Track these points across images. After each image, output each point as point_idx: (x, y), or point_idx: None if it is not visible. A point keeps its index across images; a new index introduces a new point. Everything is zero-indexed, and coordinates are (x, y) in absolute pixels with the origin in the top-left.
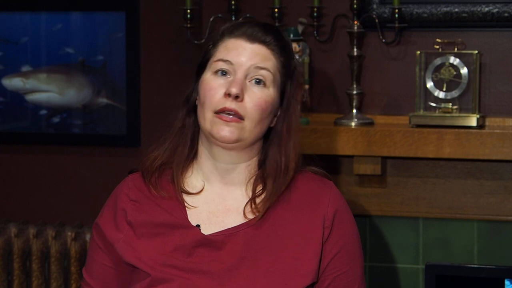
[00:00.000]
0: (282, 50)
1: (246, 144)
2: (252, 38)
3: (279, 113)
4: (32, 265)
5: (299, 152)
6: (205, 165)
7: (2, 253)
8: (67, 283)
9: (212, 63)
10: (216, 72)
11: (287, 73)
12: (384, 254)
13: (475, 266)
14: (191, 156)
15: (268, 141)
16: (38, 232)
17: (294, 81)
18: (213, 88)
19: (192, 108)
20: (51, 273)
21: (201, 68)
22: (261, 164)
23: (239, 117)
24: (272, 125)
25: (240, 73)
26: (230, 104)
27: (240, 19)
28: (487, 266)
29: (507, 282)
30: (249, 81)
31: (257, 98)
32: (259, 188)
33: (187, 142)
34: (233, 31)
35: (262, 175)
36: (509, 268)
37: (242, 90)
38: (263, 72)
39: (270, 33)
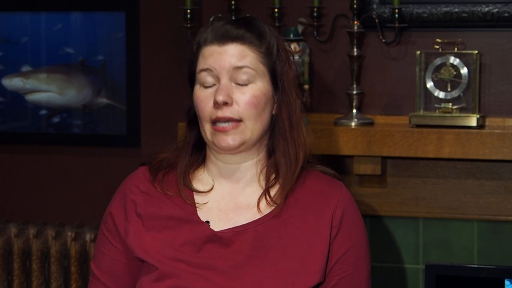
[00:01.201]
0: (258, 39)
1: (252, 143)
2: (224, 39)
3: (276, 98)
4: (32, 265)
5: (307, 136)
6: (214, 167)
7: (2, 253)
8: (67, 283)
9: (197, 75)
10: (202, 83)
11: (271, 57)
12: (384, 254)
13: (475, 266)
14: (199, 159)
15: (274, 129)
16: (38, 232)
17: (281, 60)
18: (203, 100)
19: (192, 119)
20: (51, 273)
21: (192, 81)
22: (271, 154)
23: (236, 121)
24: (274, 112)
25: (223, 78)
26: (222, 112)
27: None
28: (487, 266)
29: (507, 282)
30: (235, 83)
31: (246, 97)
32: (272, 177)
33: (188, 152)
34: (206, 38)
35: (274, 164)
36: (509, 268)
37: (229, 94)
38: (243, 70)
39: (241, 26)
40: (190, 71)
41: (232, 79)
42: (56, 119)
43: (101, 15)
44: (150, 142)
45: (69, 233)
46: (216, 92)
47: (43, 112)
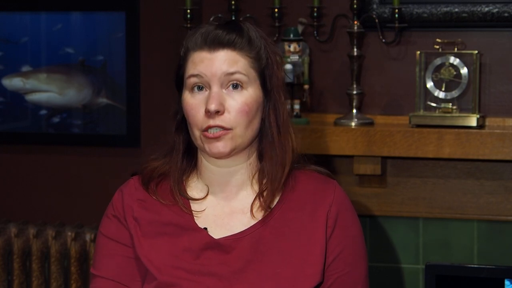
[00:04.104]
0: (248, 44)
1: (243, 148)
2: (214, 45)
3: (266, 103)
4: (32, 265)
5: (296, 143)
6: (206, 172)
7: (2, 253)
8: (67, 283)
9: (186, 80)
10: (192, 89)
11: (261, 62)
12: (384, 254)
13: (475, 266)
14: (191, 165)
15: (262, 133)
16: (38, 232)
17: (270, 64)
18: (193, 107)
19: (180, 123)
20: (51, 273)
21: (179, 84)
22: (261, 158)
23: (227, 129)
24: (263, 116)
25: (214, 85)
26: (214, 121)
27: (241, 18)
28: (487, 266)
29: (507, 282)
30: (226, 89)
31: (238, 105)
32: (265, 181)
33: (179, 159)
34: (195, 43)
35: (263, 169)
36: (509, 268)
37: (221, 102)
38: (235, 76)
39: (231, 31)
40: (177, 75)
41: (223, 85)
42: (56, 119)
43: (101, 15)
44: (150, 142)
45: (69, 233)
46: (207, 100)
47: (43, 112)
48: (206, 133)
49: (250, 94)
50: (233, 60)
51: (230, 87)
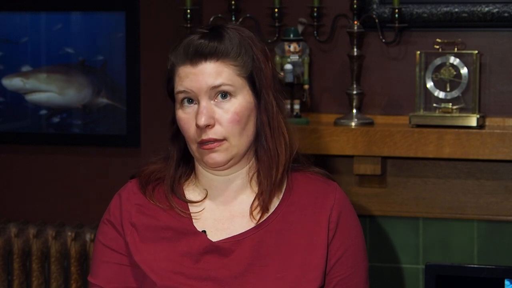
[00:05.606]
0: (231, 52)
1: (241, 156)
2: (197, 58)
3: (258, 105)
4: (32, 265)
5: (293, 142)
6: (204, 178)
7: (2, 253)
8: (67, 283)
9: (175, 95)
10: (182, 104)
11: (248, 67)
12: (384, 254)
13: (475, 266)
14: (188, 169)
15: (258, 135)
16: (38, 232)
17: (258, 66)
18: (186, 121)
19: (176, 132)
20: (51, 273)
21: (172, 96)
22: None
23: (220, 140)
24: (257, 118)
25: (202, 100)
26: (206, 134)
27: (241, 19)
28: (487, 266)
29: (507, 282)
30: (215, 100)
31: (229, 115)
32: (262, 182)
33: (174, 167)
34: (179, 57)
35: (260, 170)
36: (509, 268)
37: (211, 116)
38: (221, 88)
39: (212, 41)
40: (168, 88)
41: (212, 97)
42: (56, 119)
43: (101, 15)
44: (150, 142)
45: (69, 233)
46: (197, 115)
47: (43, 112)
48: (201, 145)
49: (239, 102)
50: (216, 72)
51: (219, 97)
